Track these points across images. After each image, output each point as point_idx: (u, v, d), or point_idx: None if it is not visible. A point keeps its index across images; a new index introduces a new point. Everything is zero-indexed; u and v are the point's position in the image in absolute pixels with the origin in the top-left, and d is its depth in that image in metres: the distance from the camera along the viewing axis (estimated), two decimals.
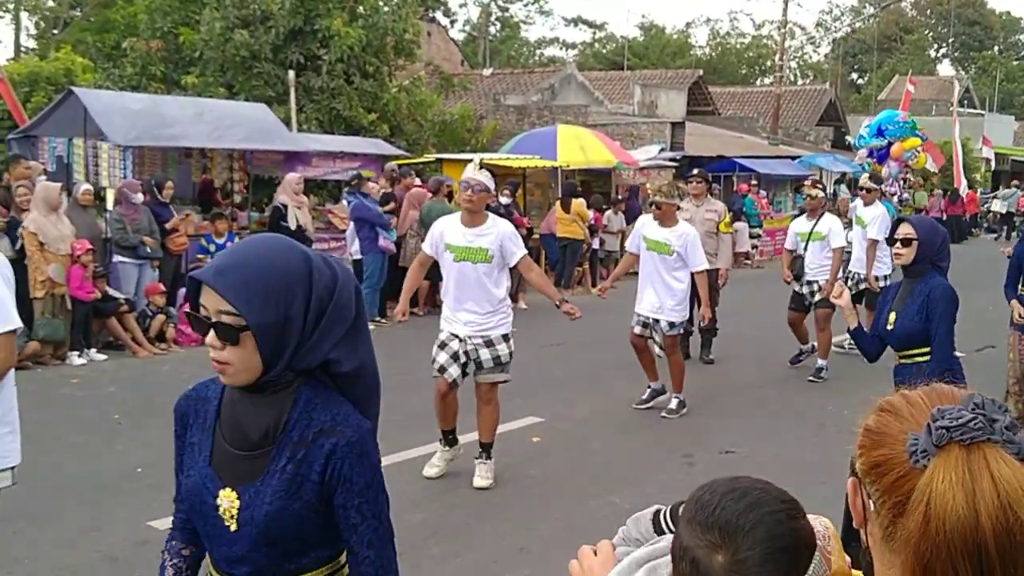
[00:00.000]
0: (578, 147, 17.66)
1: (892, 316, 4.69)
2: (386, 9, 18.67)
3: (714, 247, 9.43)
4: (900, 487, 1.11)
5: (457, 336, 6.09)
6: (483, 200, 5.99)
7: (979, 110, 46.74)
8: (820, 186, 10.15)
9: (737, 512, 1.28)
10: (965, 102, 46.44)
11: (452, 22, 42.66)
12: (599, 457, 6.86)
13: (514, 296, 13.92)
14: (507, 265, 6.13)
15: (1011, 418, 1.11)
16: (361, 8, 18.41)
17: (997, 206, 30.24)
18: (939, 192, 27.26)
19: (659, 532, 1.56)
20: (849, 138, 17.44)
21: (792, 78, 58.20)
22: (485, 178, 5.97)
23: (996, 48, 69.44)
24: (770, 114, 32.25)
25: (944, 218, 24.14)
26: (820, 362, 9.43)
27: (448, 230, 6.09)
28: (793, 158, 25.46)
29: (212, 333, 1.83)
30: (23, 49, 30.32)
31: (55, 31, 29.29)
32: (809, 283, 9.53)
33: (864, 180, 10.52)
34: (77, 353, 9.61)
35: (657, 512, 1.57)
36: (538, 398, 8.25)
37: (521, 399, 8.13)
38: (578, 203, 15.37)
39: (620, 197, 18.31)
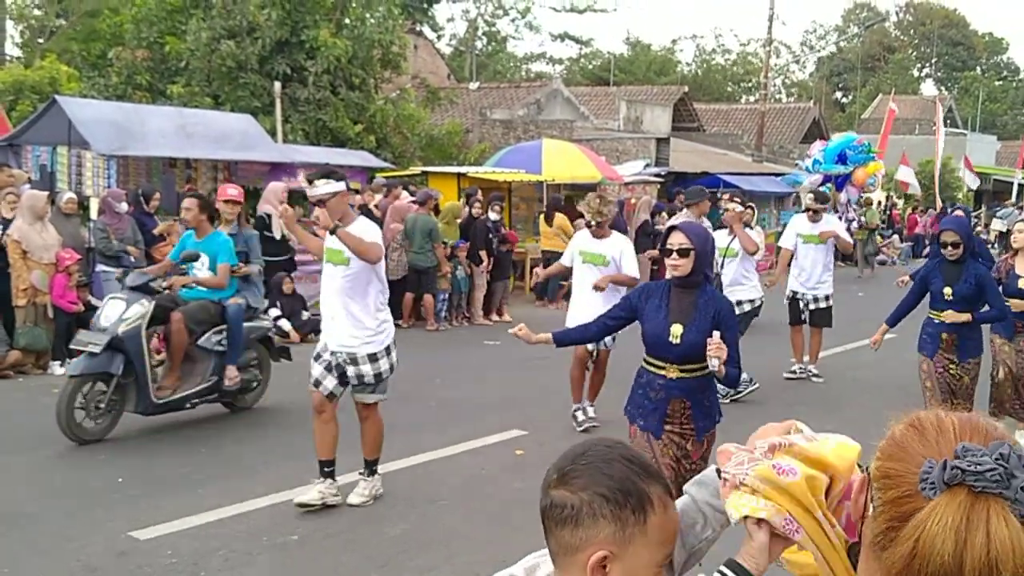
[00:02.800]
0: (563, 162, 17.73)
1: (677, 328, 4.42)
2: (372, 21, 18.72)
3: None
4: (900, 505, 1.11)
5: (329, 348, 5.82)
6: (337, 205, 5.61)
7: (962, 130, 47.14)
8: (737, 200, 9.80)
9: (575, 453, 1.55)
10: (948, 122, 46.85)
11: (439, 36, 42.79)
12: None
13: (499, 310, 14.01)
14: (381, 273, 5.79)
15: None
16: (348, 20, 18.46)
17: (997, 224, 30.58)
18: (930, 209, 27.49)
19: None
20: (800, 162, 17.40)
21: (777, 96, 58.63)
22: (329, 187, 5.58)
23: (979, 68, 70.12)
24: (754, 131, 32.42)
25: (929, 236, 24.34)
26: (745, 374, 9.38)
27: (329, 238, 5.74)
28: (777, 175, 25.61)
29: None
30: (8, 58, 30.20)
31: (40, 40, 29.19)
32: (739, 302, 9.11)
33: (810, 201, 10.30)
34: (59, 363, 9.54)
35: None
36: (522, 411, 8.26)
37: (505, 412, 8.14)
38: (561, 217, 15.43)
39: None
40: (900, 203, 28.98)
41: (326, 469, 5.88)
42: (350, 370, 5.74)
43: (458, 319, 13.58)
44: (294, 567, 5.03)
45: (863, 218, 18.49)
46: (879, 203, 25.50)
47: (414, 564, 5.08)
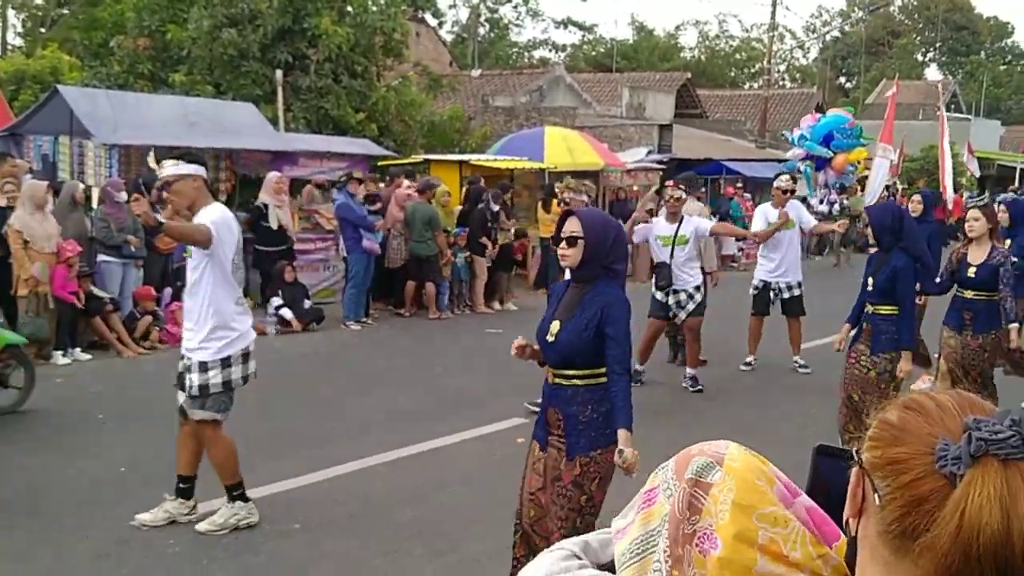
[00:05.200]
0: (565, 149, 17.69)
1: (555, 325, 3.93)
2: (375, 8, 18.66)
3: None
4: (917, 487, 1.10)
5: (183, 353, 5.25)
6: (185, 189, 5.04)
7: (966, 115, 46.98)
8: (682, 187, 9.28)
9: None
10: (952, 107, 46.67)
11: (441, 23, 42.67)
12: None
13: (501, 298, 13.99)
14: (226, 267, 5.09)
15: None
16: (350, 7, 18.40)
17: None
18: (916, 196, 27.33)
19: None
20: (785, 132, 17.08)
21: (780, 82, 58.44)
22: (177, 168, 5.03)
23: (983, 53, 69.85)
24: (758, 117, 32.36)
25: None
26: (690, 371, 9.04)
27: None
28: (780, 161, 25.55)
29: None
30: (10, 47, 30.19)
31: (42, 29, 29.16)
32: (676, 292, 8.87)
33: (786, 181, 10.04)
34: (61, 352, 9.55)
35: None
36: (524, 399, 8.26)
37: (507, 400, 8.13)
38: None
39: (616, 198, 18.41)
40: (901, 188, 28.84)
41: (181, 486, 5.32)
42: (186, 378, 5.12)
43: (460, 307, 13.57)
44: (298, 555, 5.04)
45: (846, 202, 18.09)
46: (887, 189, 25.41)
47: (420, 551, 5.09)
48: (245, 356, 5.18)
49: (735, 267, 19.84)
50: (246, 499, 5.32)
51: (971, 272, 7.01)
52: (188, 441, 5.25)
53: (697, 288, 8.93)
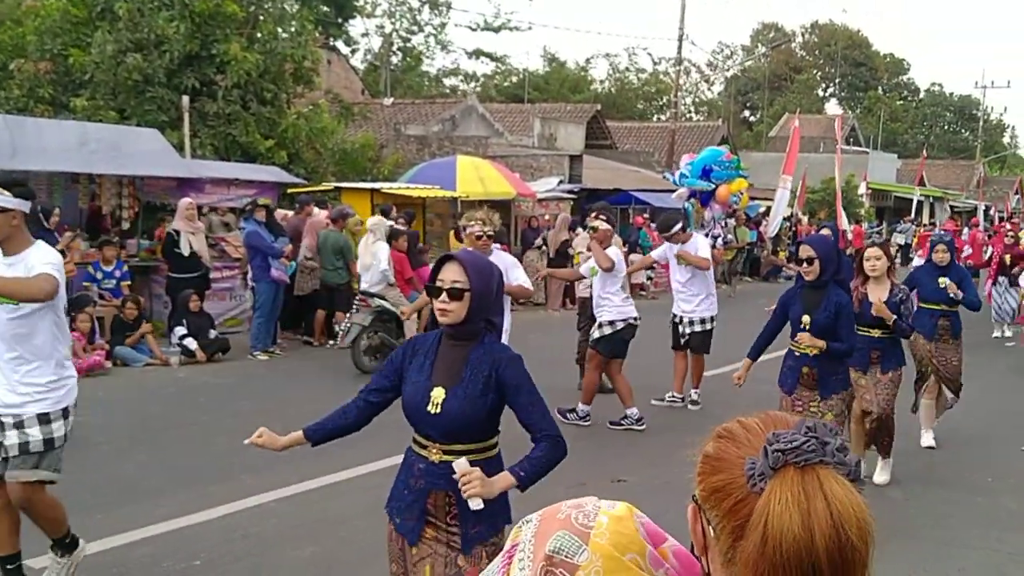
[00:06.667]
0: (477, 178, 17.80)
1: (438, 393, 3.25)
2: (284, 35, 18.53)
3: None
4: (739, 511, 1.14)
5: None
6: (6, 223, 4.35)
7: (864, 148, 48.71)
8: (603, 217, 8.96)
9: None
10: (851, 140, 48.37)
11: (353, 51, 42.58)
12: None
13: (422, 325, 13.89)
14: (61, 313, 4.58)
15: (842, 440, 1.16)
16: (259, 34, 18.23)
17: (898, 239, 31.87)
18: (824, 228, 28.24)
19: None
20: (668, 175, 17.43)
21: (687, 114, 59.78)
22: None
23: (881, 88, 72.65)
24: (665, 149, 32.99)
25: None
26: (629, 410, 8.71)
27: None
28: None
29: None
30: None
31: None
32: (600, 324, 8.69)
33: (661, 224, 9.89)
34: None
35: None
36: None
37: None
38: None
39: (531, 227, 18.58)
40: (804, 219, 29.73)
41: (8, 567, 4.63)
42: (10, 437, 4.38)
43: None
44: None
45: (732, 236, 18.44)
46: (787, 219, 26.13)
47: None
48: (68, 411, 4.58)
49: (644, 296, 20.13)
50: (76, 542, 4.83)
51: (874, 311, 6.77)
52: (6, 513, 4.54)
53: (615, 320, 8.64)
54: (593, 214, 8.93)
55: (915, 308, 7.86)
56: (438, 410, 3.21)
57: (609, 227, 8.69)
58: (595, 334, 8.72)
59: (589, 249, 8.98)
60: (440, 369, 3.27)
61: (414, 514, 3.28)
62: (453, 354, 3.28)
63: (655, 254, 10.41)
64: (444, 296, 3.20)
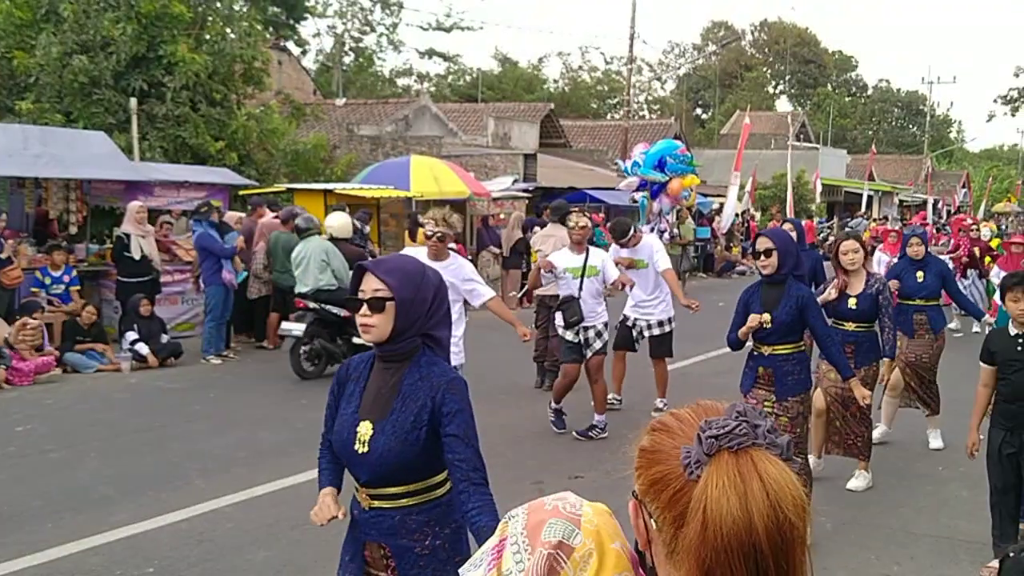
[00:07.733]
0: (432, 178, 17.74)
1: (365, 428, 2.73)
2: (234, 36, 18.32)
3: None
4: (679, 500, 1.16)
5: None
6: None
7: (815, 144, 49.36)
8: (587, 215, 8.51)
9: None
10: (801, 136, 48.96)
11: (304, 52, 42.24)
12: None
13: None
14: None
15: (771, 422, 1.19)
16: (208, 35, 18.02)
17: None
18: (787, 223, 28.63)
19: None
20: (619, 162, 17.25)
21: (640, 113, 60.15)
22: None
23: (830, 85, 73.66)
24: (619, 147, 33.17)
25: None
26: (597, 418, 8.25)
27: None
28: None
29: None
30: None
31: None
32: (586, 329, 8.09)
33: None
34: None
35: None
36: None
37: None
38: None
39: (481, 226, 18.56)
40: (758, 215, 30.07)
41: None
42: None
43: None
44: None
45: (677, 231, 18.00)
46: (739, 215, 26.41)
47: None
48: None
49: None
50: None
51: (852, 303, 6.67)
52: None
53: (605, 325, 8.21)
54: (576, 210, 8.86)
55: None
56: (365, 448, 2.74)
57: (589, 223, 8.34)
58: (596, 344, 8.14)
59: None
60: (368, 399, 2.80)
61: (352, 570, 2.90)
62: (383, 379, 2.80)
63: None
64: (364, 308, 2.73)
